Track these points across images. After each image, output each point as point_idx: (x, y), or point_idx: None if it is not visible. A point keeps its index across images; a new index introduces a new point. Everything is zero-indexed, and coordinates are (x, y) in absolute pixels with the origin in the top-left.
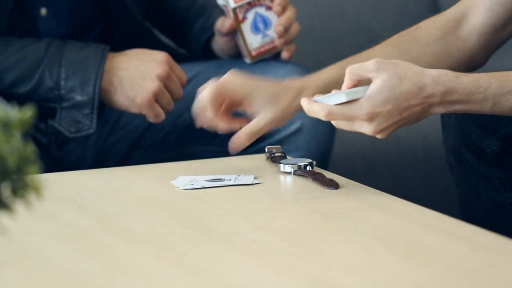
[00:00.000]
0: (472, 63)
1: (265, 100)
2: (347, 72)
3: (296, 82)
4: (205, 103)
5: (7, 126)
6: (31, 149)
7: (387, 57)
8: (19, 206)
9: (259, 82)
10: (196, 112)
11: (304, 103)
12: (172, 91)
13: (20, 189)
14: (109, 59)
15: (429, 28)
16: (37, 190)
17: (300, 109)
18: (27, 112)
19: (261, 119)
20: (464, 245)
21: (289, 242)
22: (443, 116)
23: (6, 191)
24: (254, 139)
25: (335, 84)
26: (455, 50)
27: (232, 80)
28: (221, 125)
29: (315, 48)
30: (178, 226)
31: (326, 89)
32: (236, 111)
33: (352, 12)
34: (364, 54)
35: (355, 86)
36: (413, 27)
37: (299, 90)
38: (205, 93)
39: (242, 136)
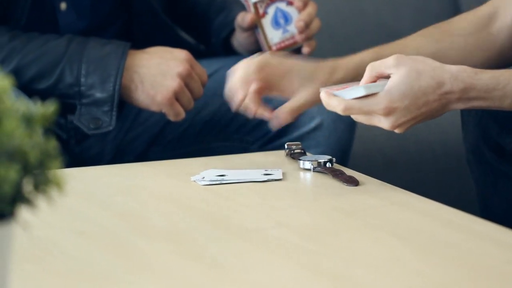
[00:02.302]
0: (503, 60)
1: (302, 78)
2: (368, 68)
3: (329, 62)
4: (237, 83)
5: (29, 121)
6: (53, 144)
7: (419, 47)
8: (40, 202)
9: (294, 62)
10: (229, 94)
11: (323, 96)
12: (193, 90)
13: (42, 184)
14: (130, 57)
15: (462, 22)
16: (59, 185)
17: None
18: (50, 107)
19: (300, 97)
20: (484, 243)
21: (309, 239)
22: (463, 113)
23: (28, 186)
24: (295, 115)
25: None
26: (486, 45)
27: (268, 59)
28: (252, 107)
29: (334, 45)
30: (198, 222)
31: (356, 72)
32: (265, 97)
33: (371, 10)
34: (397, 42)
35: (374, 82)
36: (447, 21)
37: (332, 70)
38: (238, 73)
39: (285, 111)
